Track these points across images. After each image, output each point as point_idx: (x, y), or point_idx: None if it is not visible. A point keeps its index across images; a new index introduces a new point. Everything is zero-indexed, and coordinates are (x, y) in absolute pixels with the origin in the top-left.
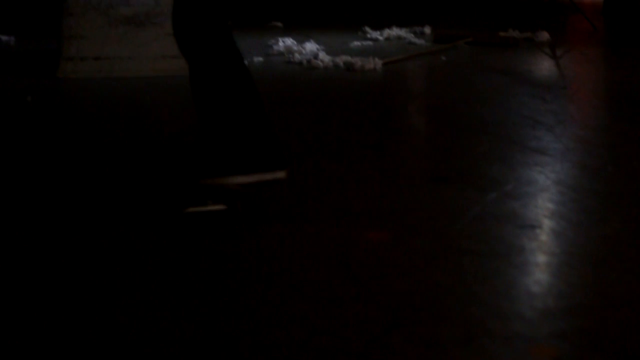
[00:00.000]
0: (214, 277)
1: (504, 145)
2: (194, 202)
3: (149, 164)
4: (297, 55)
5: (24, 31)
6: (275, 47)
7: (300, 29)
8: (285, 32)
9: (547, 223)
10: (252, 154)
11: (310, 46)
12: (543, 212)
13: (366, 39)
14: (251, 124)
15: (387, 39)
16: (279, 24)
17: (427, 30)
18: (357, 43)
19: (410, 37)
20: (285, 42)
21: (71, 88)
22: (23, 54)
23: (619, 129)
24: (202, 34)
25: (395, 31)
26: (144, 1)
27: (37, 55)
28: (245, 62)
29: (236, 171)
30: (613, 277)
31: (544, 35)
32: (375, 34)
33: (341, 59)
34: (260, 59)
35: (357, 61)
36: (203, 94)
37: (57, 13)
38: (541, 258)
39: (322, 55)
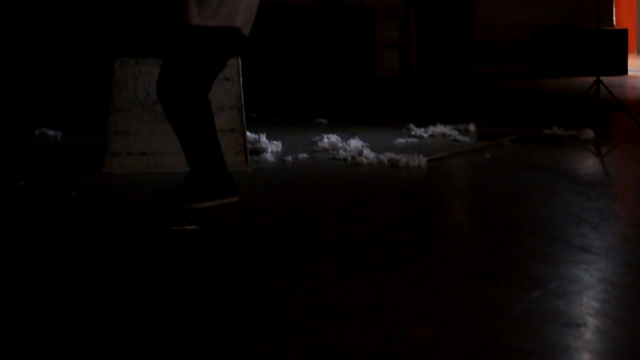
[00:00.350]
0: None
1: (548, 243)
2: (174, 223)
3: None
4: (341, 152)
5: (70, 126)
6: (319, 144)
7: (345, 125)
8: (330, 128)
9: (591, 321)
10: (214, 185)
11: (355, 143)
12: (588, 311)
13: (411, 136)
14: (211, 164)
15: (432, 136)
16: (324, 121)
17: (472, 127)
18: (401, 140)
19: (455, 134)
20: (330, 139)
21: (117, 183)
22: (69, 148)
23: None
24: (182, 102)
25: (439, 128)
26: None
27: (83, 150)
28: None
29: (203, 198)
30: None
31: (589, 133)
32: (420, 131)
33: (386, 156)
34: (305, 155)
35: (402, 158)
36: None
37: (103, 108)
38: (586, 357)
39: (367, 152)
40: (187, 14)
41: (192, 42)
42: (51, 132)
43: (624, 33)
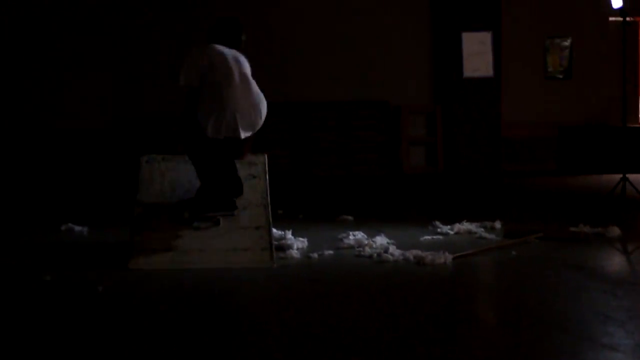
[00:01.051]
0: None
1: (575, 341)
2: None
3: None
4: (367, 249)
5: (96, 222)
6: (345, 241)
7: (370, 222)
8: (356, 225)
9: None
10: (223, 201)
11: (381, 240)
12: None
13: (436, 233)
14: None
15: (458, 233)
16: (350, 218)
17: (498, 224)
18: (427, 237)
19: (481, 231)
20: (356, 236)
21: (143, 279)
22: (95, 244)
23: None
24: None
25: (465, 225)
26: None
27: (109, 246)
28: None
29: (214, 209)
30: None
31: (615, 231)
32: (446, 228)
33: (411, 253)
34: (331, 252)
35: (428, 255)
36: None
37: (129, 204)
38: None
39: (393, 249)
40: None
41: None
42: (78, 228)
43: None
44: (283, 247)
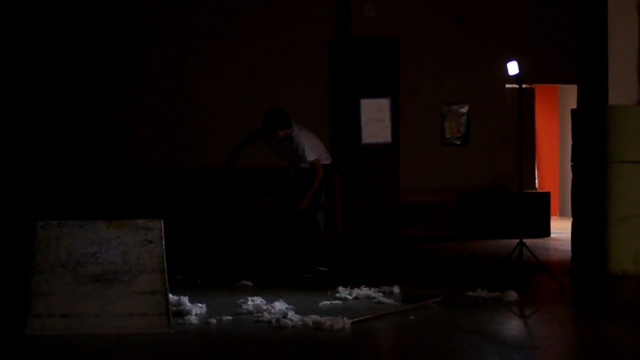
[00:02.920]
0: None
1: None
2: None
3: None
4: (266, 314)
5: None
6: (244, 306)
7: (269, 288)
8: (255, 291)
9: None
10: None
11: (280, 305)
12: None
13: (335, 298)
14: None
15: (356, 298)
16: (249, 283)
17: (396, 289)
18: (326, 302)
19: (379, 296)
20: (255, 301)
21: (39, 345)
22: None
23: None
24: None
25: (364, 290)
26: (112, 259)
27: (5, 311)
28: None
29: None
30: None
31: (512, 295)
32: (345, 294)
33: (310, 319)
34: (229, 317)
35: (326, 320)
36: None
37: (25, 270)
38: None
39: (291, 314)
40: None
41: None
42: None
43: (546, 196)
44: (181, 313)
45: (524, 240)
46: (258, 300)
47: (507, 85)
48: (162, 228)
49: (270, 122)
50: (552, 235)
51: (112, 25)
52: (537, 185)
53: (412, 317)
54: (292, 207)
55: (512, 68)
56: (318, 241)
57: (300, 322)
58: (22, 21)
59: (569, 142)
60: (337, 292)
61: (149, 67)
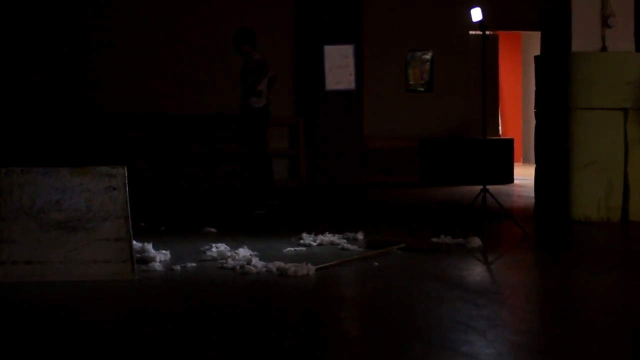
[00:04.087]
0: None
1: (437, 351)
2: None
3: None
4: (230, 261)
5: None
6: (208, 253)
7: (234, 235)
8: (219, 237)
9: None
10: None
11: (244, 252)
12: None
13: (299, 245)
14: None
15: (321, 244)
16: (213, 230)
17: (360, 236)
18: (290, 249)
19: (344, 242)
20: (219, 248)
21: (2, 292)
22: None
23: (551, 333)
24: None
25: (328, 237)
26: (76, 206)
27: None
28: None
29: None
30: None
31: (476, 241)
32: (309, 240)
33: (274, 265)
34: (194, 264)
35: (290, 267)
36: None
37: None
38: None
39: (256, 261)
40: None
41: None
42: None
43: (509, 142)
44: (145, 260)
45: (488, 187)
46: (222, 246)
47: (470, 32)
48: (126, 175)
49: (236, 35)
50: (515, 181)
51: None
52: (500, 132)
53: (376, 264)
54: (243, 145)
55: (476, 14)
56: (268, 176)
57: (265, 269)
58: None
59: (533, 89)
60: (301, 238)
61: (114, 13)
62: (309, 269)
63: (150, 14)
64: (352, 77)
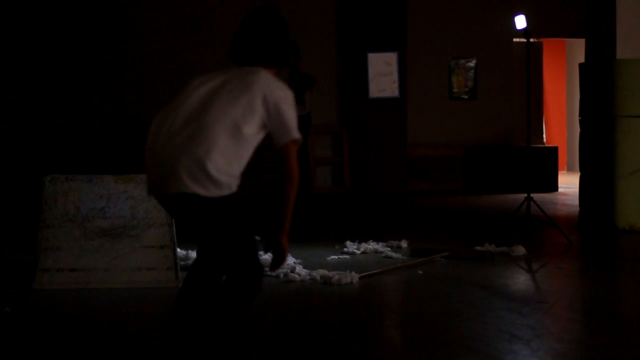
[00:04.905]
0: None
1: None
2: None
3: None
4: None
5: (0, 242)
6: None
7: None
8: (264, 245)
9: None
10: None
11: (288, 259)
12: None
13: (343, 253)
14: None
15: (364, 253)
16: (257, 238)
17: (404, 244)
18: (334, 257)
19: (387, 250)
20: (263, 256)
21: (48, 299)
22: None
23: (595, 343)
24: None
25: (372, 245)
26: (121, 214)
27: (13, 265)
28: None
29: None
30: None
31: (520, 250)
32: (352, 248)
33: (318, 273)
34: None
35: (334, 275)
36: None
37: (33, 224)
38: None
39: (299, 268)
40: None
41: None
42: None
43: (554, 151)
44: (189, 267)
45: (532, 195)
46: (266, 255)
47: (515, 39)
48: None
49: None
50: (559, 189)
51: None
52: (544, 140)
53: (420, 272)
54: None
55: (520, 22)
56: (306, 180)
57: (308, 277)
58: None
59: (577, 96)
60: (345, 246)
61: (153, 24)
62: (353, 277)
63: (196, 24)
64: (396, 85)
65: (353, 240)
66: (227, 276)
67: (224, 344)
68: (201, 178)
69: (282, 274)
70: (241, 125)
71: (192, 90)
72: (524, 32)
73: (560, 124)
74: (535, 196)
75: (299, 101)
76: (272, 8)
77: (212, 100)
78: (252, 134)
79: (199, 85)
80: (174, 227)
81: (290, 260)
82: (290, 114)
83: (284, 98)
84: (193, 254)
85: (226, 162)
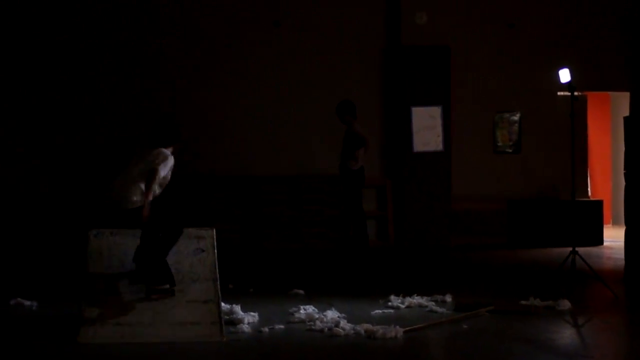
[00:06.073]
0: None
1: None
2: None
3: None
4: (318, 323)
5: (46, 296)
6: (296, 315)
7: (321, 296)
8: (307, 299)
9: None
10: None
11: (332, 314)
12: None
13: (387, 307)
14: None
15: (409, 307)
16: (301, 292)
17: (449, 298)
18: (378, 311)
19: (432, 305)
20: (307, 310)
21: (92, 353)
22: (44, 318)
23: None
24: None
25: (416, 299)
26: None
27: (58, 319)
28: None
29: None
30: None
31: (566, 304)
32: (397, 302)
33: (362, 327)
34: (282, 326)
35: (378, 329)
36: None
37: (78, 278)
38: None
39: (344, 323)
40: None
41: None
42: (27, 302)
43: (599, 204)
44: (233, 322)
45: (577, 249)
46: (310, 308)
47: (559, 93)
48: (215, 237)
49: (339, 106)
50: (605, 243)
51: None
52: (589, 193)
53: (465, 326)
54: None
55: (564, 75)
56: (362, 232)
57: (353, 331)
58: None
59: (622, 149)
60: (389, 300)
61: (202, 76)
62: (397, 331)
63: (240, 74)
64: (440, 139)
65: (397, 295)
66: None
67: None
68: None
69: (327, 329)
70: None
71: None
72: (568, 86)
73: (605, 177)
74: (581, 250)
75: (352, 157)
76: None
77: None
78: None
79: None
80: (219, 282)
81: (335, 314)
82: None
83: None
84: (237, 309)
85: None
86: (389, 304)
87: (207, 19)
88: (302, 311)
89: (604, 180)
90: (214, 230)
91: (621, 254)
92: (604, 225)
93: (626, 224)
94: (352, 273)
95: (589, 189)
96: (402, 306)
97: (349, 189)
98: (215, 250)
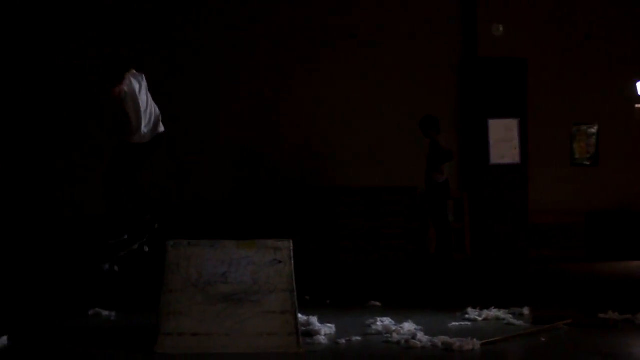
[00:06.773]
0: None
1: None
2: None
3: None
4: (395, 335)
5: (124, 306)
6: (373, 327)
7: (398, 308)
8: (384, 311)
9: None
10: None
11: (409, 326)
12: None
13: (465, 319)
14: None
15: (486, 319)
16: (378, 304)
17: (526, 311)
18: (455, 323)
19: (509, 317)
20: (384, 322)
21: None
22: (122, 328)
23: None
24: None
25: (493, 312)
26: (242, 279)
27: (136, 330)
28: None
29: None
30: None
31: None
32: (474, 315)
33: (439, 340)
34: (359, 338)
35: (456, 342)
36: None
37: (156, 289)
38: None
39: (421, 335)
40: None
41: None
42: (105, 312)
43: None
44: (310, 333)
45: None
46: (387, 320)
47: (637, 105)
48: (291, 248)
49: (423, 121)
50: None
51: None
52: None
53: (543, 339)
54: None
55: None
56: (446, 242)
57: (430, 343)
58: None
59: None
60: (467, 313)
61: (279, 88)
62: (475, 344)
63: (316, 87)
64: (517, 151)
65: (474, 307)
66: None
67: None
68: None
69: (403, 341)
70: None
71: None
72: None
73: None
74: None
75: (437, 170)
76: None
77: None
78: None
79: None
80: (295, 293)
81: (412, 326)
82: None
83: None
84: (314, 320)
85: None
86: (466, 316)
87: (287, 33)
88: (379, 323)
89: None
90: (291, 242)
91: None
92: None
93: None
94: (434, 285)
95: None
96: (480, 319)
97: (434, 201)
98: (292, 262)
